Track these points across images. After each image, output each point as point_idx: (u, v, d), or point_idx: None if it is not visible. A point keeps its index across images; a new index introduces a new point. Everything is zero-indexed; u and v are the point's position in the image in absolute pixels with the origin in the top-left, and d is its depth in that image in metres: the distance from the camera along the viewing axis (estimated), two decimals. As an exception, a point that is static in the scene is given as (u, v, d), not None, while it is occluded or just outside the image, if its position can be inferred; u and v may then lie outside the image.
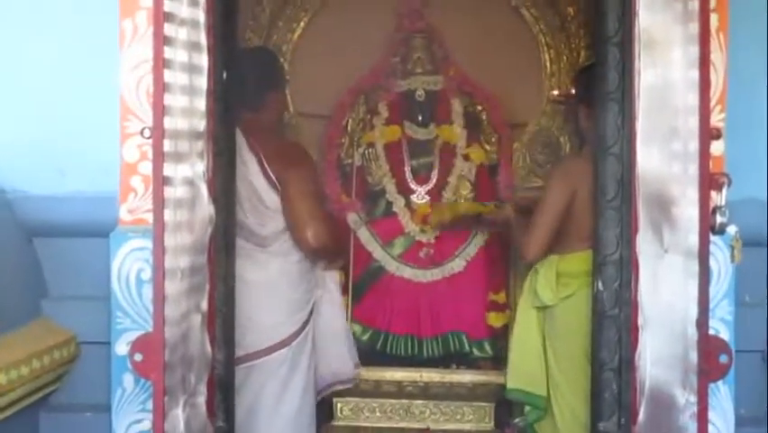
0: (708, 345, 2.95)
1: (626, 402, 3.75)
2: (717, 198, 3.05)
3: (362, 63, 5.49)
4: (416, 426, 5.17)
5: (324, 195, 5.10)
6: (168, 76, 3.01)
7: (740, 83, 4.16)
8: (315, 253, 4.69)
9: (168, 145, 3.00)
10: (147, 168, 3.87)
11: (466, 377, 5.20)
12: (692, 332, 2.95)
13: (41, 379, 4.28)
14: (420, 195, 5.44)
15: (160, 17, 2.97)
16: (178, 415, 3.17)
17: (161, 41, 2.97)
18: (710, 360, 2.99)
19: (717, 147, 3.75)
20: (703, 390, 2.93)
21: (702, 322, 2.91)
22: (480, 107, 5.54)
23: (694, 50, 2.91)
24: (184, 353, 3.20)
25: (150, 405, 3.24)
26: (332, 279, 4.93)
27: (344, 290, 5.24)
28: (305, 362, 4.65)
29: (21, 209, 4.53)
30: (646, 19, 3.15)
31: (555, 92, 5.53)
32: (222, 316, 3.84)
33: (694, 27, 2.92)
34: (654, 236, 3.17)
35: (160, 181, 2.97)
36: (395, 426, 5.18)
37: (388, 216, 5.43)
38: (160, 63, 2.97)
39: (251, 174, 4.47)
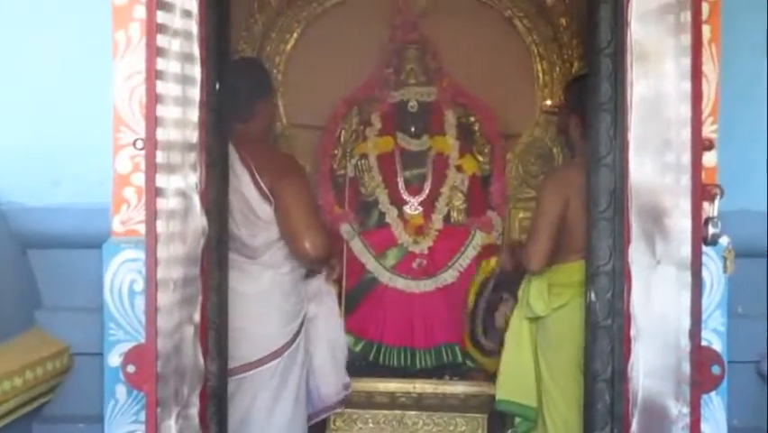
0: (701, 356, 2.95)
1: (618, 413, 3.75)
2: (710, 209, 3.06)
3: (356, 74, 5.50)
4: (409, 437, 5.18)
5: (318, 205, 5.09)
6: (160, 87, 3.01)
7: (732, 94, 4.18)
8: (313, 263, 4.69)
9: (160, 157, 3.00)
10: (140, 179, 3.88)
11: (459, 388, 5.18)
12: (685, 343, 2.95)
13: (35, 390, 4.27)
14: (413, 206, 5.44)
15: (153, 28, 2.97)
16: (171, 426, 3.16)
17: (154, 52, 2.97)
18: (703, 371, 2.99)
19: (709, 158, 3.77)
20: (696, 401, 2.94)
21: (695, 333, 2.91)
22: (473, 118, 5.54)
23: (686, 62, 2.92)
24: (177, 364, 3.20)
25: (142, 416, 3.24)
26: (330, 296, 4.93)
27: (338, 302, 5.24)
28: (296, 372, 4.64)
29: (15, 221, 4.53)
30: (639, 30, 3.16)
31: (548, 102, 5.54)
32: (214, 327, 3.84)
33: (686, 39, 2.92)
34: (647, 247, 3.17)
35: (153, 193, 2.97)
36: (388, 437, 5.19)
37: (380, 226, 5.42)
38: (153, 74, 2.97)
39: (243, 185, 4.46)
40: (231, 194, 4.19)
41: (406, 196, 5.44)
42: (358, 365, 5.20)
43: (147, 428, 3.00)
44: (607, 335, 3.87)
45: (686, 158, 2.93)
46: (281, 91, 5.53)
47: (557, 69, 5.55)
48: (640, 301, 3.24)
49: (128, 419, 4.07)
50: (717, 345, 3.99)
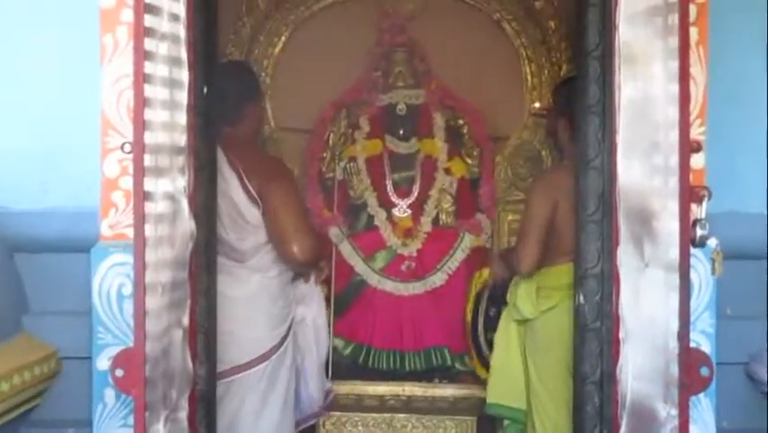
0: (690, 358, 2.95)
1: (607, 415, 3.75)
2: (698, 211, 3.06)
3: (344, 77, 5.51)
4: (399, 439, 5.18)
5: (306, 209, 5.09)
6: (148, 91, 3.00)
7: (720, 96, 4.18)
8: (301, 267, 4.69)
9: (148, 160, 3.00)
10: (128, 183, 3.86)
11: (448, 391, 5.19)
12: (674, 345, 2.95)
13: (22, 394, 4.26)
14: (402, 208, 5.44)
15: (141, 32, 2.96)
16: (160, 430, 3.16)
17: (142, 55, 2.96)
18: (691, 373, 2.99)
19: (697, 160, 3.77)
20: (684, 402, 2.94)
21: (683, 335, 2.91)
22: (461, 121, 5.56)
23: (674, 64, 2.92)
24: (165, 368, 3.19)
25: (131, 420, 3.24)
26: (317, 299, 4.93)
27: (327, 305, 5.24)
28: (284, 376, 4.64)
29: (2, 224, 4.52)
30: (626, 33, 3.16)
31: (537, 105, 5.55)
32: (203, 331, 3.84)
33: (674, 41, 2.93)
34: (635, 250, 3.17)
35: (141, 196, 2.97)
36: (377, 440, 5.19)
37: (369, 229, 5.43)
38: (141, 78, 2.96)
39: (231, 189, 4.46)
40: (219, 198, 4.18)
41: (394, 198, 5.45)
42: (347, 368, 5.21)
43: (136, 432, 3.00)
44: (595, 337, 3.87)
45: (674, 160, 2.93)
46: (269, 94, 5.54)
47: (546, 71, 5.57)
48: (629, 304, 3.23)
49: (117, 423, 4.06)
50: (706, 347, 3.99)
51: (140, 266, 2.96)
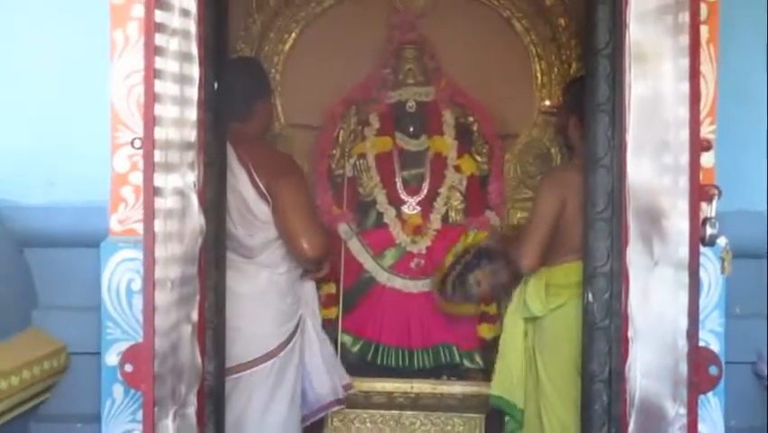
0: (698, 357, 2.95)
1: (615, 414, 3.75)
2: (708, 210, 3.05)
3: (354, 74, 5.50)
4: (407, 437, 5.19)
5: (315, 205, 5.09)
6: (158, 86, 3.00)
7: (730, 95, 4.18)
8: (310, 263, 4.69)
9: (158, 156, 2.99)
10: (137, 178, 3.86)
11: (456, 388, 5.18)
12: (682, 344, 2.94)
13: (31, 389, 4.27)
14: (411, 206, 5.44)
15: (152, 27, 2.96)
16: (168, 426, 3.16)
17: (152, 51, 2.96)
18: (700, 372, 2.99)
19: (707, 159, 3.77)
20: (693, 401, 2.93)
21: (692, 334, 2.91)
22: (471, 118, 5.55)
23: (684, 63, 2.91)
24: (174, 363, 3.19)
25: (140, 415, 3.23)
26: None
27: (335, 301, 5.25)
28: (292, 373, 4.65)
29: (12, 219, 4.52)
30: (637, 31, 3.16)
31: (546, 103, 5.54)
32: (212, 326, 3.85)
33: (684, 39, 2.92)
34: (645, 248, 3.17)
35: (151, 192, 2.97)
36: (385, 437, 5.20)
37: (378, 226, 5.43)
38: (151, 73, 2.96)
39: (241, 185, 4.46)
40: (228, 193, 4.19)
41: (404, 196, 5.45)
42: (356, 365, 5.21)
43: (144, 428, 3.00)
44: (604, 335, 3.87)
45: (684, 159, 2.92)
46: (279, 91, 5.54)
47: (555, 69, 5.56)
48: (638, 302, 3.23)
49: (125, 418, 4.06)
50: (715, 346, 3.98)
51: (149, 261, 2.96)
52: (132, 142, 3.18)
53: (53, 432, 4.54)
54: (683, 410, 2.96)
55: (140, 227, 3.25)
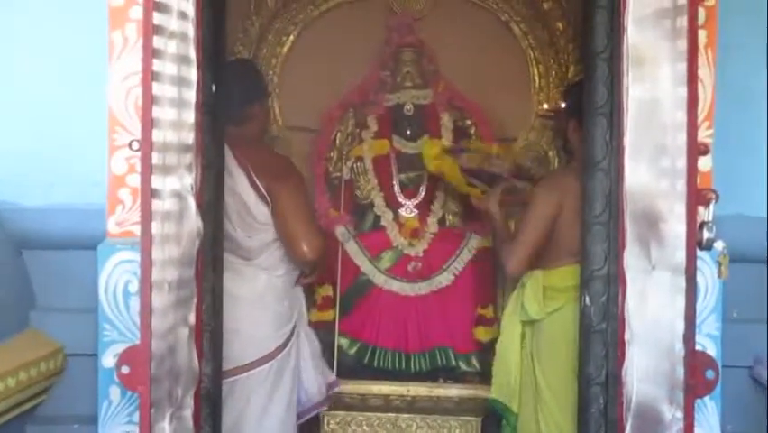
0: (695, 361, 2.95)
1: (612, 418, 3.75)
2: (705, 214, 3.05)
3: (351, 77, 5.52)
4: (403, 439, 5.18)
5: (313, 208, 5.10)
6: (156, 89, 3.00)
7: (728, 99, 4.17)
8: (309, 265, 4.70)
9: (156, 158, 3.00)
10: (135, 180, 3.86)
11: (453, 391, 5.19)
12: (679, 348, 2.95)
13: (28, 391, 4.26)
14: (408, 209, 5.44)
15: (150, 30, 2.97)
16: (165, 428, 3.16)
17: (150, 53, 2.97)
18: (697, 376, 2.99)
19: (704, 163, 3.77)
20: (689, 405, 2.94)
21: (689, 338, 2.91)
22: (468, 122, 5.56)
23: (682, 67, 2.92)
24: (171, 365, 3.19)
25: (136, 417, 3.24)
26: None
27: (332, 304, 5.25)
28: (289, 375, 4.66)
29: (10, 221, 4.52)
30: (635, 35, 3.16)
31: (544, 106, 5.55)
32: (209, 329, 3.84)
33: (682, 44, 2.93)
34: (642, 252, 3.17)
35: (148, 194, 2.97)
36: (382, 440, 5.19)
37: (376, 229, 5.44)
38: (149, 76, 2.96)
39: (240, 187, 4.47)
40: (228, 195, 4.20)
41: (401, 199, 5.46)
42: (352, 367, 5.21)
43: (141, 430, 3.00)
44: (601, 339, 3.87)
45: (681, 162, 2.93)
46: (277, 93, 5.55)
47: (553, 73, 5.57)
48: (635, 306, 3.23)
49: (122, 419, 4.06)
50: (712, 350, 3.98)
51: (146, 264, 2.96)
52: (129, 145, 3.19)
53: (50, 434, 4.55)
54: (680, 414, 2.97)
55: (137, 229, 3.25)
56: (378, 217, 5.43)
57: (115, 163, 4.01)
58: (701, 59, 3.84)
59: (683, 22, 2.93)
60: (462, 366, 5.31)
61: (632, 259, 3.23)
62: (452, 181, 5.17)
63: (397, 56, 5.54)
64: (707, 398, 3.89)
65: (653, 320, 3.13)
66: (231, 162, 4.39)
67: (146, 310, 2.96)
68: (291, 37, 5.59)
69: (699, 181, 2.93)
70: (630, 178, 3.22)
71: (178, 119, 3.18)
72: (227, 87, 4.08)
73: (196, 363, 3.44)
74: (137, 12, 3.86)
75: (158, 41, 3.01)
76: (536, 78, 5.59)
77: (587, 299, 3.91)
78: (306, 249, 4.52)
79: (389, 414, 5.18)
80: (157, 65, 3.00)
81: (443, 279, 5.33)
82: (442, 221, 5.46)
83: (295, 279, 4.75)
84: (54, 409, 4.55)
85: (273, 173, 4.54)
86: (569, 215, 4.41)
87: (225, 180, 4.13)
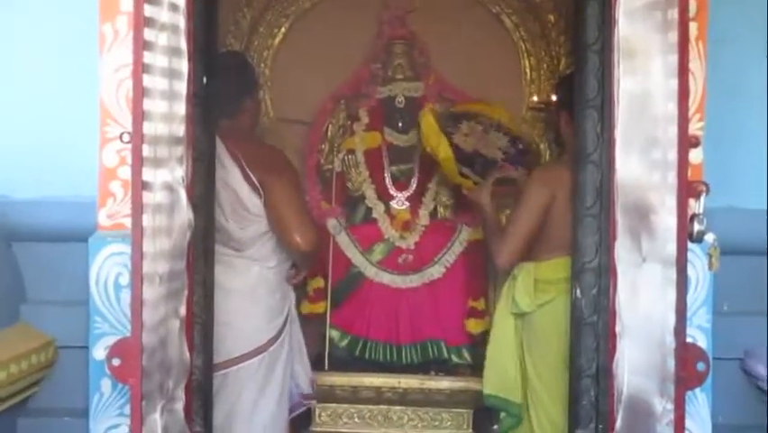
0: (686, 353, 2.96)
1: (603, 410, 3.76)
2: (696, 206, 3.06)
3: (343, 69, 5.51)
4: (395, 432, 5.17)
5: (306, 200, 5.10)
6: (147, 81, 3.00)
7: (719, 91, 4.17)
8: (302, 256, 4.70)
9: (147, 150, 2.99)
10: (126, 173, 3.85)
11: (444, 384, 5.19)
12: (670, 340, 2.95)
13: (19, 383, 4.26)
14: (400, 201, 5.45)
15: (141, 22, 2.96)
16: (156, 420, 3.16)
17: (141, 45, 2.96)
18: (688, 368, 2.99)
19: (695, 155, 3.77)
20: (680, 397, 2.94)
21: (680, 330, 2.91)
22: (459, 115, 5.54)
23: (673, 59, 2.92)
24: (162, 358, 3.19)
25: (127, 410, 3.24)
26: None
27: (323, 296, 5.25)
28: (280, 368, 4.65)
29: (0, 214, 4.51)
30: (626, 27, 3.15)
31: (535, 99, 5.55)
32: (200, 321, 3.84)
33: (673, 36, 2.92)
34: (633, 244, 3.17)
35: (139, 186, 2.97)
36: (373, 432, 5.18)
37: (367, 222, 5.44)
38: (140, 68, 2.96)
39: (233, 179, 4.47)
40: (220, 187, 4.21)
41: (393, 191, 5.45)
42: (344, 360, 5.22)
43: (132, 422, 3.00)
44: (592, 331, 3.87)
45: (672, 155, 2.93)
46: (269, 86, 5.55)
47: (544, 65, 5.57)
48: (626, 298, 3.23)
49: (113, 412, 4.05)
50: (702, 342, 3.98)
51: (137, 256, 2.96)
52: (120, 137, 3.18)
53: (41, 426, 4.52)
54: (671, 406, 2.97)
55: (128, 222, 3.23)
56: (369, 210, 5.44)
57: (106, 156, 4.00)
58: (692, 52, 3.84)
59: (674, 14, 2.93)
60: (454, 358, 5.32)
61: (623, 251, 3.24)
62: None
63: (389, 48, 5.53)
64: (697, 390, 3.89)
65: (644, 312, 3.13)
66: (223, 154, 4.39)
67: (137, 303, 2.96)
68: (283, 29, 5.59)
69: (690, 174, 2.92)
70: (621, 170, 3.22)
71: (169, 111, 3.18)
72: (219, 80, 4.07)
73: (188, 355, 3.44)
74: (128, 4, 3.85)
75: (149, 34, 3.00)
76: (528, 70, 5.59)
77: (578, 291, 3.91)
78: (300, 240, 4.51)
79: (381, 406, 5.18)
80: (148, 57, 3.00)
81: (435, 271, 5.34)
82: (433, 213, 5.46)
83: (286, 271, 4.74)
84: (45, 402, 4.54)
85: (266, 165, 4.54)
86: (561, 207, 4.41)
87: (218, 172, 4.14)
